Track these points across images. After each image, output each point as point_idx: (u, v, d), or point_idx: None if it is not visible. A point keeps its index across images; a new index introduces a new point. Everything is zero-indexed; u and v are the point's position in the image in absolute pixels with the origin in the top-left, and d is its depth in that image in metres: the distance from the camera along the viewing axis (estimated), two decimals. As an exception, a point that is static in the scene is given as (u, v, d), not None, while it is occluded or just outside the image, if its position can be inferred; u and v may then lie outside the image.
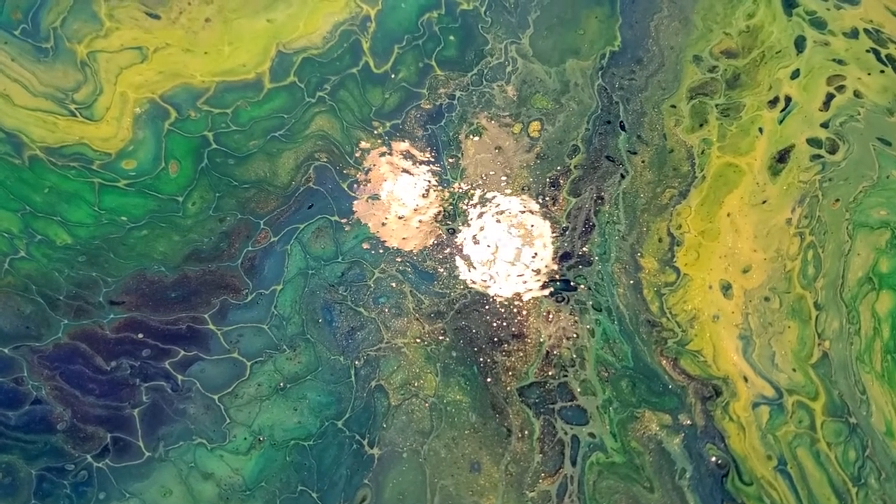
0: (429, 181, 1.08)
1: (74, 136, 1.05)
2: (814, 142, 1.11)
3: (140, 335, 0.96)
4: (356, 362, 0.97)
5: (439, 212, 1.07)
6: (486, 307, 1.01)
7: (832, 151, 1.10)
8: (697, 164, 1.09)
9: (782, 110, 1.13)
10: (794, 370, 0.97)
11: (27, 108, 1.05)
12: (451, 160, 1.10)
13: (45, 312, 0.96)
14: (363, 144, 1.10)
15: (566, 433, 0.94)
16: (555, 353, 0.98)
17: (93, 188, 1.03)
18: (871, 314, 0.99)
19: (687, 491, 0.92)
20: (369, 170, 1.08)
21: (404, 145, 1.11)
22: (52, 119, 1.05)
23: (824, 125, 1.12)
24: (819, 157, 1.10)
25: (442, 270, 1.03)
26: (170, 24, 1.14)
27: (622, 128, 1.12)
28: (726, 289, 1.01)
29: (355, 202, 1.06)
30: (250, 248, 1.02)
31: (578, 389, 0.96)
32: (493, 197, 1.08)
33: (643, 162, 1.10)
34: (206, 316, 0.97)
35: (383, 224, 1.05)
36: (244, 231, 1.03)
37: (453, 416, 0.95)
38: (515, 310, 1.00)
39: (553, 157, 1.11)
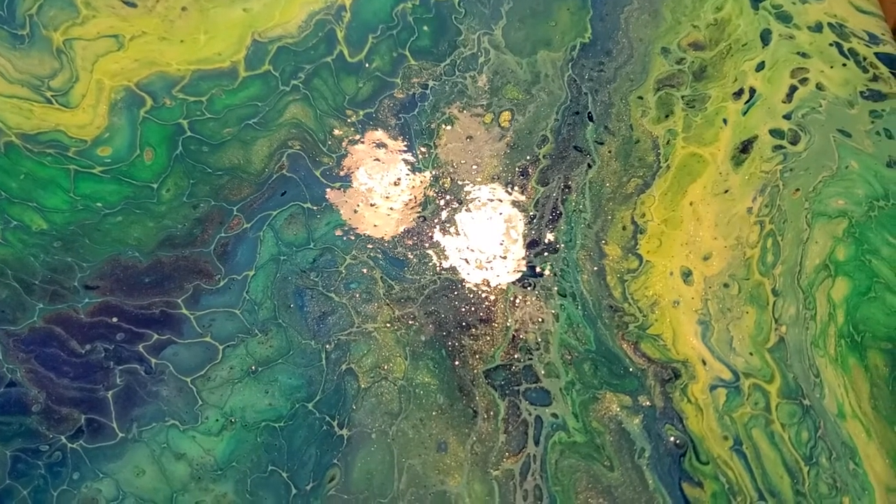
0: (401, 169, 1.10)
1: (50, 123, 1.06)
2: (776, 133, 1.14)
3: (114, 319, 0.98)
4: (327, 346, 0.99)
5: (410, 199, 1.08)
6: (455, 293, 1.03)
7: (794, 142, 1.13)
8: (662, 154, 1.11)
9: (746, 102, 1.15)
10: (751, 354, 1.00)
11: (3, 94, 1.06)
12: (423, 149, 1.12)
13: (21, 297, 0.97)
14: (336, 132, 1.12)
15: (530, 414, 0.96)
16: (521, 336, 1.00)
17: (68, 175, 1.04)
18: (827, 300, 1.02)
19: (646, 469, 0.94)
20: (342, 158, 1.10)
21: (377, 134, 1.12)
22: (28, 106, 1.06)
23: (787, 117, 1.14)
24: (781, 147, 1.12)
25: (412, 257, 1.05)
26: (146, 12, 1.15)
27: (590, 118, 1.14)
28: (687, 275, 1.04)
29: (328, 189, 1.08)
30: (223, 235, 1.03)
31: (543, 372, 0.98)
32: (464, 185, 1.10)
33: (610, 152, 1.12)
34: (179, 301, 0.99)
35: (355, 211, 1.07)
36: (217, 217, 1.04)
37: (421, 398, 0.97)
38: (483, 295, 1.03)
39: (523, 147, 1.12)
